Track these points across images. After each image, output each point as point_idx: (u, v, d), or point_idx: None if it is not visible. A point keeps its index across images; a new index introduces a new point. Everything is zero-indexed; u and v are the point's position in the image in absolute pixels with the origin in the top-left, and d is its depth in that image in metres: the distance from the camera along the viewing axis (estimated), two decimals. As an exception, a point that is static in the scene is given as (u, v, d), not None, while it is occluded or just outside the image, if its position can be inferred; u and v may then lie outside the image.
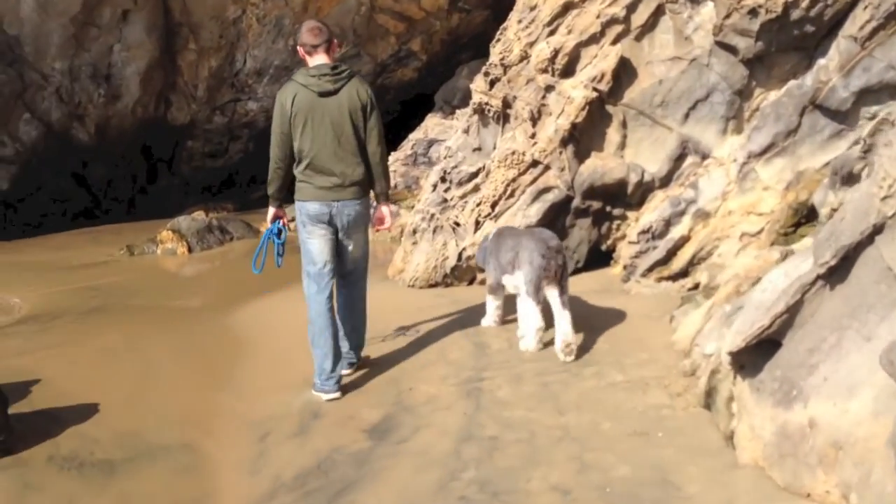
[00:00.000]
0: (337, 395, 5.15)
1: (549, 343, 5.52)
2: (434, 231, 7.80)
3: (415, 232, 8.10)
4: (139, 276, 10.38)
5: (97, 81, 14.90)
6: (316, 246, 5.16)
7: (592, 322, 6.08)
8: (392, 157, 13.53)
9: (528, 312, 5.51)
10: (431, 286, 7.72)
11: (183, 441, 4.46)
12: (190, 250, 12.09)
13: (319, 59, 5.14)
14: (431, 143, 13.75)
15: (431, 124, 14.84)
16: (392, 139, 15.36)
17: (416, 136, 14.43)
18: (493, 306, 6.15)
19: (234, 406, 5.05)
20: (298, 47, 5.20)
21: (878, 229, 3.31)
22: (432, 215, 7.87)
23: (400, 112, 17.82)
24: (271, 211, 5.34)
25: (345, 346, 5.38)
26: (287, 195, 5.34)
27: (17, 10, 13.80)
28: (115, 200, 16.20)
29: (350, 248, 5.28)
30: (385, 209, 5.47)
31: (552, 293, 5.42)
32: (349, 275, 5.38)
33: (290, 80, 5.17)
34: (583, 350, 5.42)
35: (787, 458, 3.36)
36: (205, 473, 4.01)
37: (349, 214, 5.17)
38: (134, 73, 15.05)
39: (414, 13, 16.27)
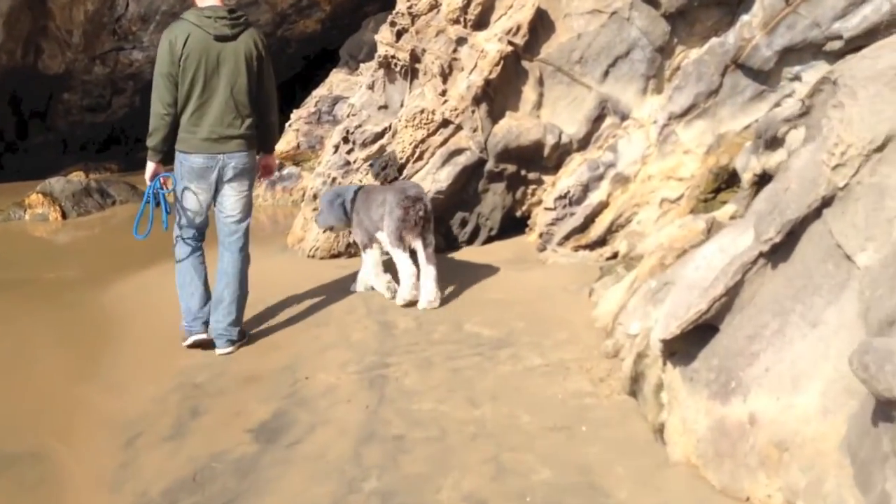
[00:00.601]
0: (204, 336, 5.20)
1: (454, 322, 5.23)
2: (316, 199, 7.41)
3: (315, 197, 7.69)
4: (2, 246, 9.64)
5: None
6: (193, 201, 5.12)
7: (508, 296, 5.84)
8: (294, 115, 13.09)
9: (398, 261, 5.72)
10: (334, 256, 7.36)
11: (33, 449, 3.95)
12: (64, 216, 11.36)
13: (210, 1, 5.04)
14: (336, 100, 13.25)
15: (336, 80, 14.39)
16: (294, 96, 14.81)
17: (319, 92, 13.96)
18: (369, 261, 6.09)
19: (98, 402, 4.57)
20: None
21: (826, 202, 3.10)
22: (334, 179, 7.46)
23: (303, 67, 17.21)
24: (151, 166, 5.11)
25: (224, 320, 5.20)
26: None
27: None
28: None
29: (232, 202, 5.18)
30: (271, 159, 5.54)
31: (417, 244, 5.68)
32: (230, 236, 5.24)
33: (181, 18, 5.01)
34: (498, 328, 5.16)
35: (724, 458, 3.15)
36: (56, 490, 3.53)
37: (235, 167, 5.10)
38: (-3, 15, 13.99)
39: (317, -42, 15.67)
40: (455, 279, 6.32)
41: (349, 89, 13.50)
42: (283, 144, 12.76)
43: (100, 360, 5.34)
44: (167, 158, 5.18)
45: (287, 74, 17.28)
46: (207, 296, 5.25)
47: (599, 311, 5.27)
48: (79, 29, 15.12)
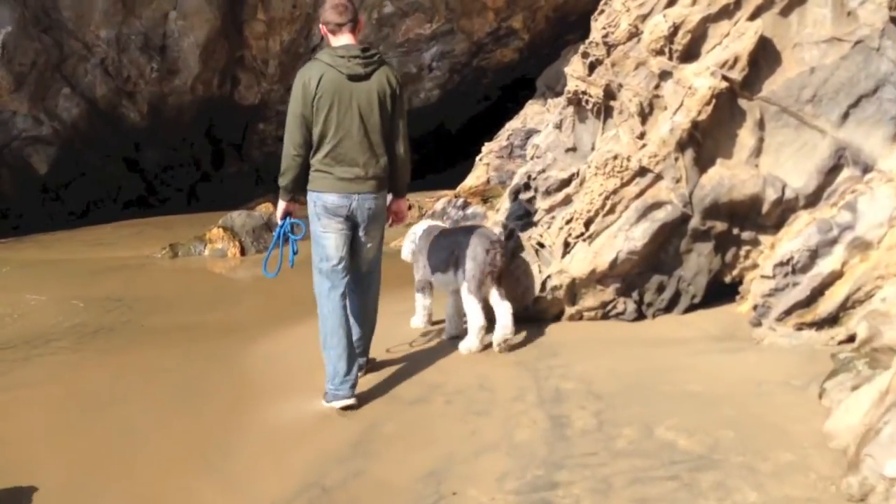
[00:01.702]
0: (352, 401, 5.11)
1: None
2: (513, 252, 6.63)
3: (490, 249, 6.94)
4: (173, 285, 9.58)
5: (149, 54, 14.22)
6: (331, 241, 5.14)
7: (712, 388, 4.84)
8: (485, 147, 12.61)
9: (470, 311, 5.73)
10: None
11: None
12: (243, 252, 11.25)
13: (344, 39, 5.13)
14: (530, 133, 12.60)
15: (531, 112, 13.85)
16: (487, 127, 14.31)
17: (513, 125, 13.46)
18: (421, 305, 6.33)
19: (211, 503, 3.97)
20: (321, 25, 5.19)
21: None
22: (511, 231, 6.69)
23: (498, 98, 16.72)
24: (282, 205, 5.29)
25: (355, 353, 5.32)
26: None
27: (54, -33, 13.25)
28: (172, 188, 15.58)
29: (367, 245, 5.29)
30: (403, 203, 5.56)
31: (492, 289, 5.77)
32: (363, 278, 5.37)
33: (314, 59, 5.13)
34: (699, 437, 4.18)
35: None
36: None
37: (369, 208, 5.17)
38: (192, 44, 14.33)
39: (516, -14, 15.11)
40: (646, 358, 5.39)
41: (544, 122, 12.85)
42: (473, 179, 12.22)
43: (225, 441, 4.83)
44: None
45: (482, 105, 16.85)
46: (353, 356, 5.22)
47: (835, 425, 4.17)
48: (275, 59, 15.30)
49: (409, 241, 6.40)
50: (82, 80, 14.07)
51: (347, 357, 5.13)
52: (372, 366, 5.69)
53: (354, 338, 5.33)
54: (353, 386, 5.14)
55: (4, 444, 5.02)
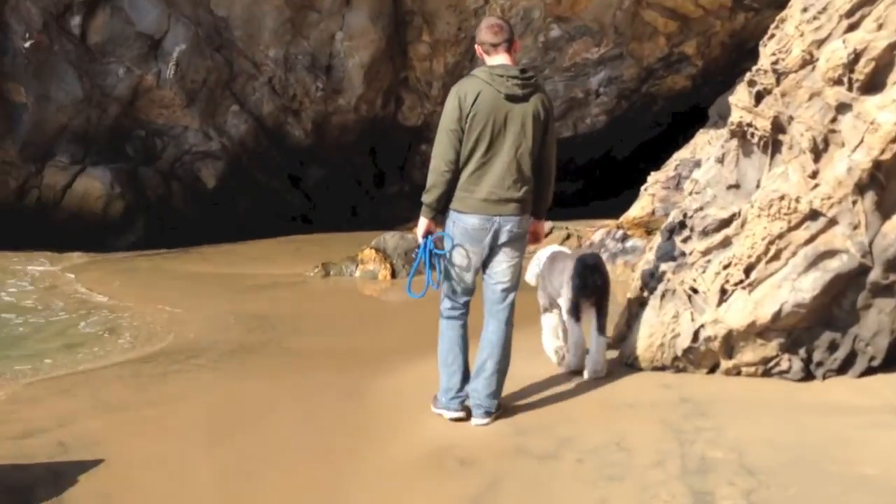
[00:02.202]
0: (461, 414, 5.23)
1: None
2: (663, 296, 6.13)
3: (643, 289, 6.46)
4: (319, 305, 9.58)
5: (315, 73, 14.49)
6: (463, 264, 5.14)
7: (890, 471, 4.19)
8: (651, 178, 12.12)
9: (570, 333, 5.90)
10: (656, 369, 6.06)
11: None
12: (394, 274, 11.13)
13: (500, 59, 5.07)
14: (698, 164, 11.97)
15: (701, 142, 13.30)
16: (654, 156, 13.76)
17: (681, 154, 12.92)
18: (548, 327, 6.26)
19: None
20: (476, 45, 5.19)
21: None
22: (662, 273, 6.19)
23: (668, 126, 16.10)
24: (424, 223, 5.17)
25: (484, 390, 5.19)
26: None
27: (228, -11, 13.69)
28: (334, 206, 15.80)
29: (503, 268, 5.17)
30: (542, 225, 5.51)
31: (591, 314, 5.81)
32: (497, 304, 5.22)
33: (471, 75, 5.07)
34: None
35: None
36: None
37: (510, 231, 5.10)
38: (357, 65, 14.51)
39: (689, 10, 14.53)
40: (812, 428, 4.79)
41: (705, 155, 12.21)
42: (637, 210, 11.72)
43: (339, 483, 4.65)
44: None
45: (650, 133, 16.28)
46: (467, 374, 5.27)
47: None
48: (438, 81, 15.30)
49: (535, 265, 6.33)
50: (250, 97, 14.49)
51: (462, 375, 5.23)
52: (503, 409, 5.36)
53: (485, 374, 5.18)
54: (464, 401, 5.25)
55: (126, 463, 5.00)
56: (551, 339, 6.18)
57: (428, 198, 5.07)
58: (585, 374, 5.84)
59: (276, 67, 14.34)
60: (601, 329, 5.81)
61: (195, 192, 14.39)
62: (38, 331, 8.79)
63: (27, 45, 13.00)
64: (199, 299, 9.85)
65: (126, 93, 13.74)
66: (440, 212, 5.14)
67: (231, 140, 14.44)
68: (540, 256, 6.33)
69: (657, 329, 6.08)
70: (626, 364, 6.22)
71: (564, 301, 5.82)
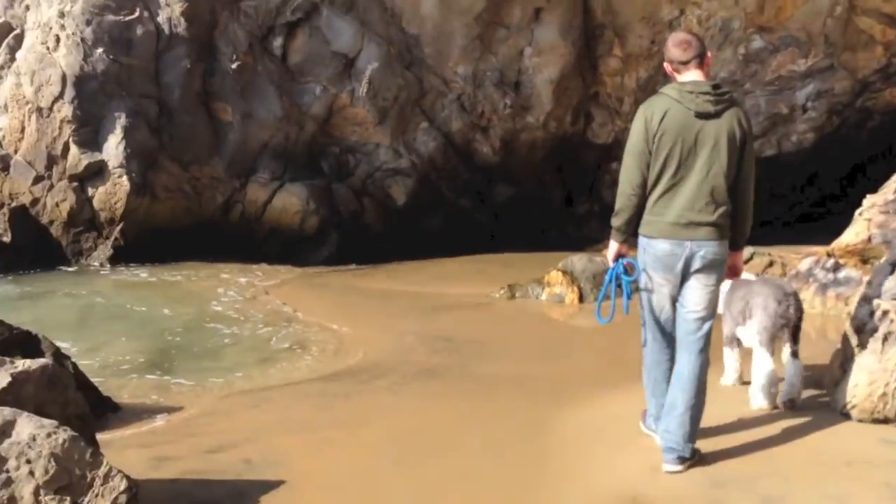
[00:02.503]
0: None
1: None
2: (885, 338, 5.53)
3: (860, 330, 5.86)
4: (504, 329, 9.41)
5: (503, 89, 14.43)
6: (656, 294, 4.92)
7: None
8: (867, 201, 11.18)
9: (759, 364, 5.61)
10: (877, 421, 5.47)
11: None
12: (581, 298, 10.79)
13: (691, 76, 4.80)
14: (925, 188, 10.99)
15: (927, 162, 12.13)
16: (871, 177, 12.79)
17: (903, 176, 11.80)
18: (730, 361, 6.15)
19: None
20: (665, 63, 4.91)
21: None
22: (885, 312, 5.60)
23: (889, 146, 14.96)
24: (614, 247, 5.00)
25: (676, 431, 4.83)
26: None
27: (418, 7, 13.82)
28: (521, 225, 15.64)
29: (697, 296, 4.85)
30: (740, 257, 5.23)
31: (786, 344, 5.63)
32: (690, 335, 4.88)
33: (660, 93, 4.83)
34: None
35: None
36: None
37: (703, 257, 4.80)
38: (546, 81, 14.35)
39: (910, 16, 13.45)
40: None
41: (934, 176, 11.14)
42: (850, 236, 10.87)
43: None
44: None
45: (866, 152, 15.17)
46: None
47: None
48: (630, 97, 14.91)
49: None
50: (439, 114, 14.57)
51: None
52: (698, 457, 4.95)
53: (675, 413, 4.85)
54: None
55: (306, 486, 5.00)
56: (732, 373, 6.13)
57: (616, 221, 4.89)
58: (779, 401, 5.62)
59: (465, 84, 14.37)
60: (795, 354, 5.63)
61: (385, 208, 14.61)
62: (236, 343, 9.12)
63: (234, 66, 13.63)
64: (386, 318, 9.92)
65: (322, 111, 14.14)
66: (631, 235, 4.94)
67: (420, 157, 14.57)
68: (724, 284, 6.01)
69: (879, 376, 5.48)
70: (840, 412, 5.66)
71: (756, 329, 5.63)
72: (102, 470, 3.84)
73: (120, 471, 3.93)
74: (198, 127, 13.66)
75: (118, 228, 12.79)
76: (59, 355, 6.56)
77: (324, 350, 8.62)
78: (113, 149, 12.84)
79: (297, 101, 14.06)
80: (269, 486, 5.10)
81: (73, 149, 12.89)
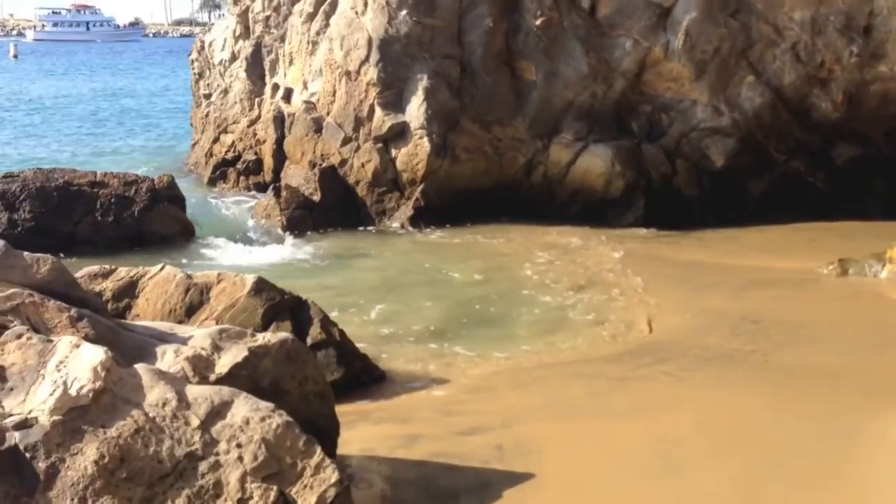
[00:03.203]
0: None
1: None
2: None
3: None
4: (826, 312, 8.31)
5: (849, 36, 12.72)
6: None
7: None
8: None
9: None
10: None
11: None
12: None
13: None
14: None
15: None
16: None
17: None
18: None
19: None
20: None
21: None
22: None
23: None
24: None
25: None
26: None
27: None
28: (865, 191, 13.83)
29: None
30: None
31: None
32: None
33: None
34: None
35: None
36: None
37: None
38: (903, 23, 12.46)
39: None
40: None
41: None
42: None
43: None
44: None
45: None
46: None
47: None
48: None
49: None
50: (769, 66, 13.20)
51: None
52: None
53: None
54: None
55: (557, 483, 4.60)
56: None
57: None
58: None
59: (801, 31, 12.89)
60: None
61: (701, 170, 13.53)
62: (533, 310, 8.71)
63: (538, 22, 13.19)
64: (689, 292, 9.16)
65: (632, 66, 13.32)
66: None
67: (744, 115, 13.30)
68: None
69: None
70: None
71: None
72: (315, 460, 3.57)
73: (333, 462, 3.64)
74: (500, 87, 13.43)
75: (419, 189, 12.88)
76: (326, 322, 6.56)
77: (615, 325, 8.07)
78: (415, 110, 12.96)
79: (606, 56, 13.35)
80: (515, 479, 4.77)
81: (378, 111, 13.17)
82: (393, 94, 13.06)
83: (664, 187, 13.27)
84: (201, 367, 3.91)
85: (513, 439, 5.24)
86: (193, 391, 3.50)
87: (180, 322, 5.95)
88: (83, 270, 6.25)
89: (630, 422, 5.43)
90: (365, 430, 5.54)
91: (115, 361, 3.38)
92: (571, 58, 13.29)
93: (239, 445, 3.41)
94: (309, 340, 6.17)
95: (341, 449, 5.00)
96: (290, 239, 11.99)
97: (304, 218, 12.58)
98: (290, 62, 14.93)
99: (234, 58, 16.47)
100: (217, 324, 5.99)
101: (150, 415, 3.31)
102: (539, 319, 8.41)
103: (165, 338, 4.15)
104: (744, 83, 13.19)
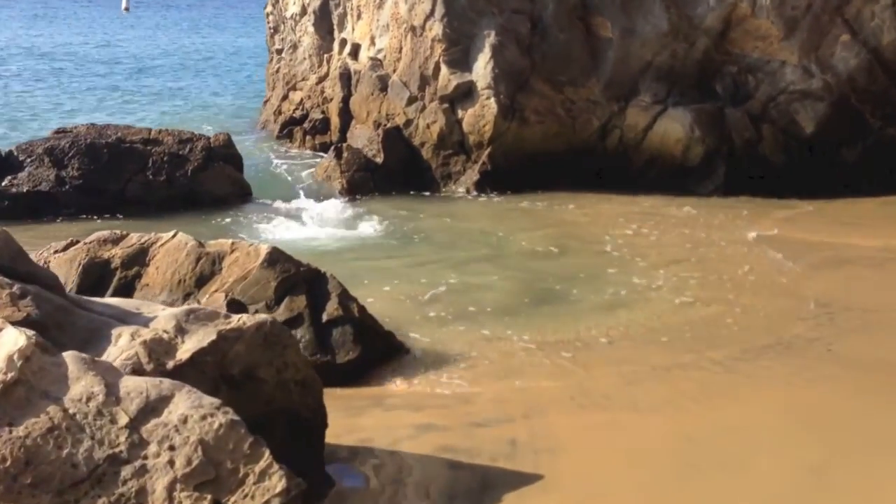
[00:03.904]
0: None
1: None
2: None
3: None
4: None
5: (961, -10, 11.76)
6: None
7: None
8: None
9: None
10: None
11: None
12: None
13: None
14: None
15: None
16: None
17: None
18: None
19: None
20: None
21: None
22: None
23: None
24: None
25: None
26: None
27: None
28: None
29: None
30: None
31: None
32: None
33: None
34: None
35: None
36: None
37: None
38: None
39: None
40: None
41: None
42: None
43: None
44: None
45: None
46: None
47: None
48: None
49: None
50: (867, 24, 12.30)
51: None
52: None
53: None
54: None
55: (567, 490, 4.27)
56: None
57: None
58: None
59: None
60: None
61: (789, 136, 12.72)
62: (609, 287, 8.06)
63: (615, -24, 12.54)
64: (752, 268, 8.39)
65: (716, 24, 12.54)
66: None
67: (837, 77, 12.46)
68: None
69: None
70: None
71: None
72: (260, 465, 3.24)
73: (281, 468, 3.26)
74: (573, 45, 12.76)
75: (486, 153, 12.40)
76: (344, 296, 6.27)
77: (665, 305, 7.48)
78: (481, 69, 12.43)
79: (688, 13, 12.62)
80: (522, 480, 4.42)
81: (444, 69, 12.68)
82: (459, 52, 12.58)
83: (748, 154, 12.54)
84: (159, 352, 3.62)
85: (529, 433, 4.91)
86: (128, 384, 3.21)
87: (189, 294, 5.71)
88: (93, 235, 6.06)
89: (658, 416, 5.03)
90: (373, 418, 5.27)
91: (42, 348, 3.10)
92: (651, 14, 12.60)
93: (172, 448, 3.09)
94: (325, 317, 5.87)
95: (340, 439, 4.73)
96: (349, 203, 11.68)
97: (365, 181, 12.27)
98: (359, 16, 14.55)
99: (303, 11, 16.15)
100: (227, 297, 5.74)
101: (70, 411, 3.03)
102: (613, 299, 7.72)
103: (127, 318, 3.87)
104: (838, 42, 12.36)
